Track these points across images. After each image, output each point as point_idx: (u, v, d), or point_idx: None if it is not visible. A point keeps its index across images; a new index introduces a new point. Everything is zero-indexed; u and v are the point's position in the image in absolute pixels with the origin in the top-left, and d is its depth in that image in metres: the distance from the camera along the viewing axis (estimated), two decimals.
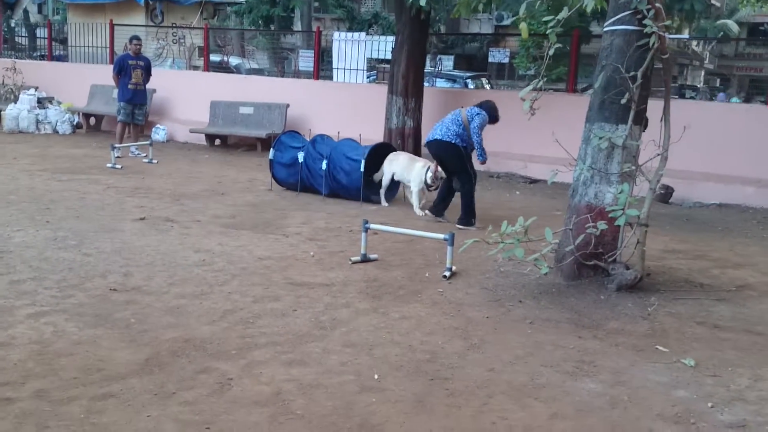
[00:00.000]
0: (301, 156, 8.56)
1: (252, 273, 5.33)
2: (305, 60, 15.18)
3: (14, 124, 13.77)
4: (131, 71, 11.30)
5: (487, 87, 17.74)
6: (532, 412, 3.33)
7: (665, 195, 9.18)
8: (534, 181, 10.29)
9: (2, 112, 14.01)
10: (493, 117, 7.32)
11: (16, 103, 14.23)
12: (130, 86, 11.35)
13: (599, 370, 3.83)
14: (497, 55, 16.15)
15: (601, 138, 5.03)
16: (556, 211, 7.85)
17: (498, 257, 5.15)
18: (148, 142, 11.24)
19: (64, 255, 5.50)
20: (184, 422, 3.08)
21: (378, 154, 8.28)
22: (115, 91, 11.78)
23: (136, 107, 11.49)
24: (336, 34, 14.27)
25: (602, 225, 4.89)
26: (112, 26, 15.26)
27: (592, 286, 5.12)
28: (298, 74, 16.16)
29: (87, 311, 4.37)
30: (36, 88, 14.69)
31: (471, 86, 16.62)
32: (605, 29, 5.22)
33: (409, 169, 7.90)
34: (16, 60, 16.31)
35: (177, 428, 3.03)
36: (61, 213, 6.96)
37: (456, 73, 17.12)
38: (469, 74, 17.71)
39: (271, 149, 8.87)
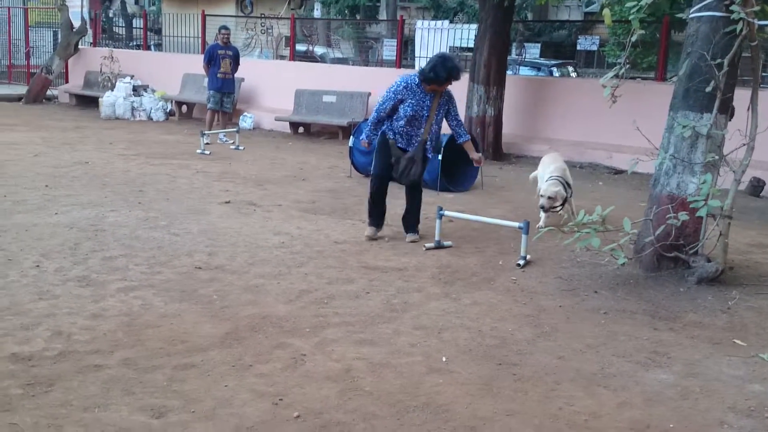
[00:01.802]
0: None
1: (328, 256, 5.48)
2: (389, 49, 15.26)
3: (111, 110, 14.51)
4: (220, 60, 11.70)
5: (574, 75, 17.36)
6: (599, 400, 3.31)
7: (756, 188, 8.77)
8: (619, 172, 10.03)
9: (100, 99, 14.78)
10: (428, 75, 5.65)
11: (113, 90, 14.98)
12: (219, 75, 11.75)
13: (672, 361, 3.76)
14: (585, 43, 15.75)
15: (684, 126, 4.88)
16: (640, 202, 7.63)
17: (574, 247, 5.09)
18: (235, 129, 11.63)
19: (154, 234, 5.80)
20: (258, 393, 3.24)
21: (456, 142, 8.27)
22: (206, 80, 12.22)
23: (224, 95, 11.89)
24: (419, 23, 14.29)
25: (684, 216, 4.76)
26: (203, 17, 15.80)
27: (672, 278, 4.99)
28: (381, 63, 16.28)
29: (173, 287, 4.61)
30: (132, 77, 15.40)
31: (556, 74, 16.31)
32: (691, 16, 5.05)
33: (542, 178, 6.81)
34: (114, 49, 17.13)
35: (252, 398, 3.19)
36: (153, 195, 7.33)
37: (541, 61, 16.83)
38: (554, 62, 17.38)
39: (351, 136, 9.01)
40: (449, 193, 8.19)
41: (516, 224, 5.55)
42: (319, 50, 18.47)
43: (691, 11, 5.07)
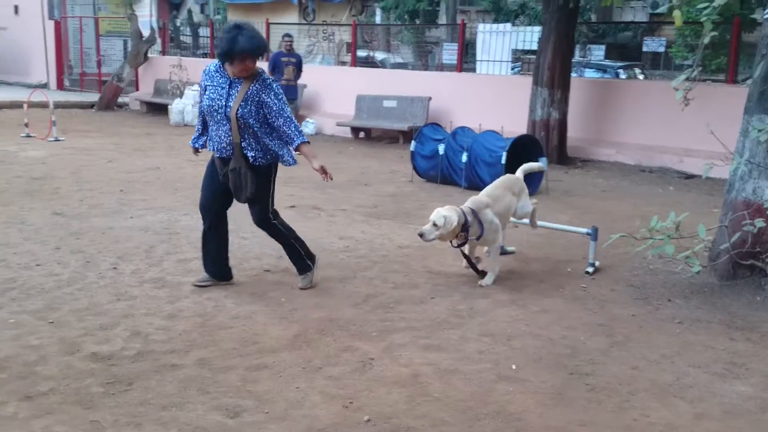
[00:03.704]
0: (441, 148, 8.65)
1: (392, 261, 5.50)
2: (449, 53, 15.25)
3: (180, 117, 14.92)
4: (283, 68, 11.89)
5: (641, 77, 16.97)
6: (675, 412, 3.22)
7: None
8: (690, 177, 9.75)
9: (169, 107, 15.21)
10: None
11: (181, 98, 15.40)
12: (282, 82, 11.94)
13: (751, 373, 3.63)
14: (653, 45, 15.38)
15: (760, 130, 4.72)
16: (713, 208, 7.41)
17: (646, 254, 4.98)
18: None
19: None
20: (329, 395, 3.27)
21: (520, 146, 8.20)
22: None
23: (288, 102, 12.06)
24: (480, 26, 14.22)
25: (760, 222, 4.59)
26: (267, 25, 16.09)
27: (748, 286, 4.82)
28: (441, 67, 16.27)
29: (243, 290, 4.71)
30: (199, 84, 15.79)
31: (623, 76, 15.98)
32: (765, 17, 4.88)
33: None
34: (182, 57, 17.61)
35: (322, 400, 3.23)
36: None
37: (607, 62, 16.51)
38: (620, 64, 17.01)
39: (413, 141, 9.03)
40: None
41: (583, 230, 5.46)
42: (379, 55, 18.59)
43: (765, 12, 4.90)
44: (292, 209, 7.15)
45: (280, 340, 3.91)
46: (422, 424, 3.05)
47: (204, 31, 22.88)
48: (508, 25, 14.34)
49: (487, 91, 12.33)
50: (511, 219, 5.77)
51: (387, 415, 3.11)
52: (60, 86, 20.54)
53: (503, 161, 7.98)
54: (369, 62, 17.33)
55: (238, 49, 4.23)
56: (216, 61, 4.49)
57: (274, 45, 14.69)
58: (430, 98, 12.68)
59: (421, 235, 4.77)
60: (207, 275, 4.75)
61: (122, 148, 11.12)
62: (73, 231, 5.94)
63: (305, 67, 12.55)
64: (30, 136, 11.44)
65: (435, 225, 4.73)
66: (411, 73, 15.57)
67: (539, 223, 5.85)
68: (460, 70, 13.41)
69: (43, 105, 13.34)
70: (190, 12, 25.40)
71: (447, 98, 12.70)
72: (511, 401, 3.29)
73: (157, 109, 16.45)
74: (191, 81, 16.11)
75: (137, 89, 18.15)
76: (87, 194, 7.48)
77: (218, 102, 4.38)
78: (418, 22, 25.31)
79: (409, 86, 13.28)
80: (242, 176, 4.46)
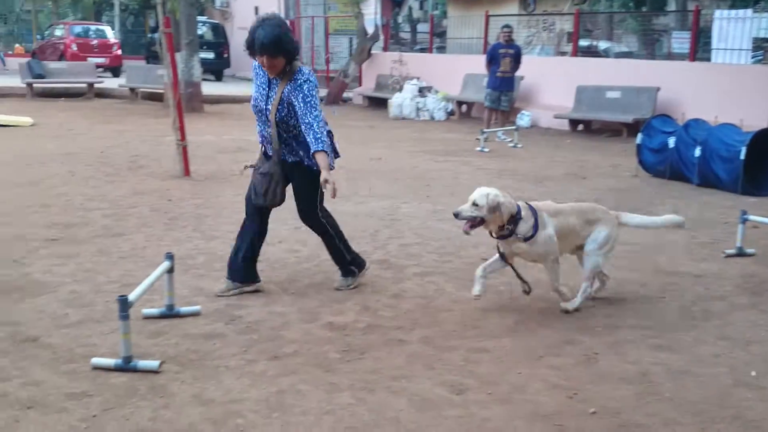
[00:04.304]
0: (671, 141, 8.16)
1: (617, 257, 5.25)
2: (678, 41, 14.30)
3: (398, 111, 15.54)
4: (500, 59, 11.88)
5: None
6: None
7: None
8: None
9: (389, 101, 15.89)
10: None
11: (401, 92, 16.01)
12: (498, 74, 11.95)
13: None
14: None
15: None
16: None
17: None
18: (513, 128, 11.75)
19: (442, 226, 6.11)
20: (551, 384, 3.27)
21: (763, 141, 7.49)
22: (486, 79, 12.51)
23: (501, 94, 12.04)
24: (717, 13, 13.15)
25: None
26: (487, 17, 16.16)
27: None
28: (670, 56, 15.29)
29: (462, 276, 4.82)
30: (418, 78, 16.31)
31: None
32: None
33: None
34: (402, 53, 18.28)
35: (545, 388, 3.23)
36: (439, 189, 7.72)
37: None
38: None
39: (639, 133, 8.61)
40: (752, 197, 7.43)
41: None
42: (602, 45, 17.88)
43: None
44: None
45: (500, 326, 3.96)
46: (653, 422, 2.94)
47: (422, 27, 23.57)
48: (749, 11, 13.07)
49: (724, 82, 11.36)
50: (751, 218, 5.31)
51: (614, 409, 3.04)
52: None
53: (742, 156, 7.34)
54: (591, 52, 16.71)
55: (257, 45, 3.94)
56: None
57: (492, 37, 14.73)
58: (658, 89, 11.97)
59: (456, 215, 4.02)
60: (229, 282, 4.38)
61: (348, 139, 11.77)
62: None
63: (523, 59, 12.42)
64: None
65: (475, 204, 3.95)
66: (636, 63, 14.78)
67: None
68: (693, 59, 12.49)
69: None
70: (410, 8, 26.25)
71: (677, 89, 11.90)
72: (751, 408, 3.06)
73: (378, 103, 17.25)
74: (410, 75, 16.68)
75: (360, 85, 19.15)
76: None
77: (260, 103, 4.17)
78: (644, 9, 23.91)
79: (634, 76, 12.64)
80: (271, 183, 4.20)
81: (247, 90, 18.77)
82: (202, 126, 12.44)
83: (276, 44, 3.91)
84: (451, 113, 15.58)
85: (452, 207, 5.10)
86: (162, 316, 3.95)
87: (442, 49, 19.82)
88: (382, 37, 18.98)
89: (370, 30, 18.30)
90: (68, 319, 3.91)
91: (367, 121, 14.86)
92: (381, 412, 2.99)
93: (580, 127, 13.17)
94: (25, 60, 18.41)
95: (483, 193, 3.93)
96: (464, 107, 15.63)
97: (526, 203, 4.09)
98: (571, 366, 3.46)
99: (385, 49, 19.27)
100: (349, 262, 4.54)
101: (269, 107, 4.12)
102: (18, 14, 34.78)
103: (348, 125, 13.86)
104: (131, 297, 3.30)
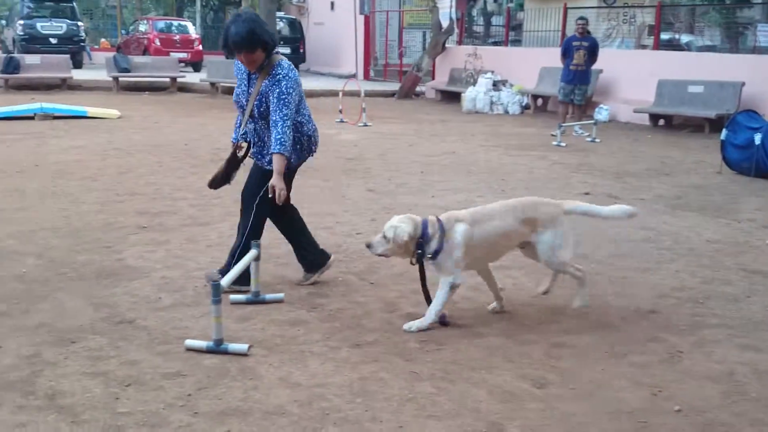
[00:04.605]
0: (758, 138, 7.88)
1: (700, 255, 5.18)
2: (764, 34, 13.74)
3: (471, 105, 15.47)
4: (574, 52, 11.67)
5: None
6: None
7: None
8: None
9: (462, 94, 15.84)
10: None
11: (474, 86, 15.93)
12: (571, 67, 11.74)
13: None
14: None
15: None
16: None
17: None
18: (591, 122, 11.55)
19: None
20: (635, 381, 3.24)
21: None
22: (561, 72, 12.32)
23: (575, 87, 11.82)
24: None
25: None
26: (565, 9, 15.88)
27: None
28: (755, 50, 14.68)
29: (540, 270, 4.75)
30: (492, 72, 16.19)
31: None
32: None
33: None
34: (477, 47, 18.16)
35: (628, 385, 3.21)
36: (514, 184, 7.68)
37: None
38: None
39: (723, 129, 8.34)
40: None
41: None
42: (685, 38, 17.31)
43: None
44: (586, 197, 7.06)
45: (581, 322, 3.94)
46: (739, 421, 2.89)
47: (497, 20, 23.33)
48: None
49: None
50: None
51: (699, 408, 3.00)
52: (366, 76, 22.46)
53: None
54: (673, 45, 16.20)
55: (231, 43, 3.92)
56: None
57: (570, 30, 14.47)
58: (743, 83, 11.53)
59: (368, 246, 3.90)
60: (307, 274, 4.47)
61: (420, 133, 11.88)
62: (385, 205, 6.54)
63: (601, 52, 12.17)
64: (343, 122, 12.73)
65: (385, 237, 3.82)
66: (720, 57, 14.26)
67: None
68: None
69: (354, 93, 14.74)
70: (485, 2, 26.04)
71: (763, 84, 11.44)
72: None
73: (451, 97, 17.21)
74: (484, 69, 16.57)
75: (433, 78, 19.14)
76: (393, 174, 8.16)
77: (242, 98, 4.14)
78: (728, 1, 23.00)
79: (717, 70, 12.21)
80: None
81: (323, 84, 19.09)
82: None
83: (250, 39, 3.89)
84: (526, 107, 15.41)
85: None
86: (248, 302, 4.11)
87: (516, 43, 19.58)
88: (456, 31, 18.91)
89: (445, 24, 18.24)
90: (161, 303, 4.11)
91: (439, 114, 14.87)
92: (462, 402, 3.04)
93: (661, 122, 12.83)
94: (110, 54, 19.16)
95: (391, 226, 3.82)
96: (540, 101, 15.43)
97: (437, 218, 3.89)
98: (655, 364, 3.43)
99: (460, 42, 19.18)
100: (229, 266, 4.11)
101: (246, 103, 4.10)
102: (103, 10, 36.22)
103: (421, 119, 13.92)
104: (223, 282, 3.45)
